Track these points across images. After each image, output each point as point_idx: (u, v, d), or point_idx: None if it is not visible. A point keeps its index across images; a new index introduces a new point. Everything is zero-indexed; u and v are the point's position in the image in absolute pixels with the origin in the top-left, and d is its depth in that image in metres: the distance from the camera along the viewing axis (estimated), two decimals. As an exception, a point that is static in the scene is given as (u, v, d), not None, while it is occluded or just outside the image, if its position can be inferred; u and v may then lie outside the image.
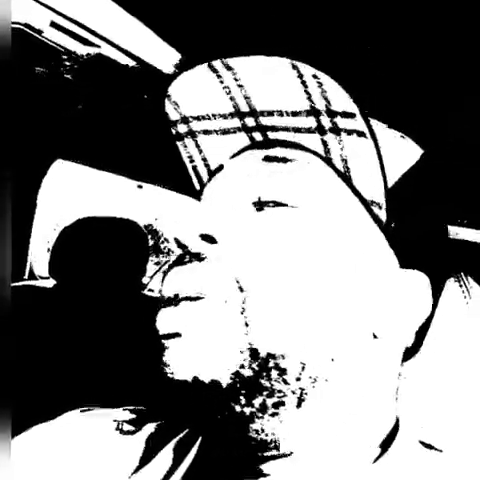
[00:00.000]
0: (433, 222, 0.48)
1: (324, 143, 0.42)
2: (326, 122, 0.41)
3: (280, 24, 0.83)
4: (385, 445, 0.41)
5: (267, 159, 0.43)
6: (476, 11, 0.72)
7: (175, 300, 0.38)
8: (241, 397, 0.37)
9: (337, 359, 0.39)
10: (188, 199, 1.96)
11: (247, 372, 0.36)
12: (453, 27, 0.76)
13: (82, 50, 0.95)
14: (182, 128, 0.47)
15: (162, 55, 0.93)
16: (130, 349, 1.22)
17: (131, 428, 0.48)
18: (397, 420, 0.44)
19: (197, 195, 0.50)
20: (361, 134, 0.40)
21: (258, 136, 0.45)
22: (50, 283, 1.37)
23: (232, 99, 0.44)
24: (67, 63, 0.97)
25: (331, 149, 0.42)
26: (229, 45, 0.92)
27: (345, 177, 0.42)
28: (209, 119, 0.45)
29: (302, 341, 0.38)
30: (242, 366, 0.36)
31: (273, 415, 0.38)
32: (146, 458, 0.45)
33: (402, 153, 0.45)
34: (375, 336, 0.41)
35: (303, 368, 0.37)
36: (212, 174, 0.48)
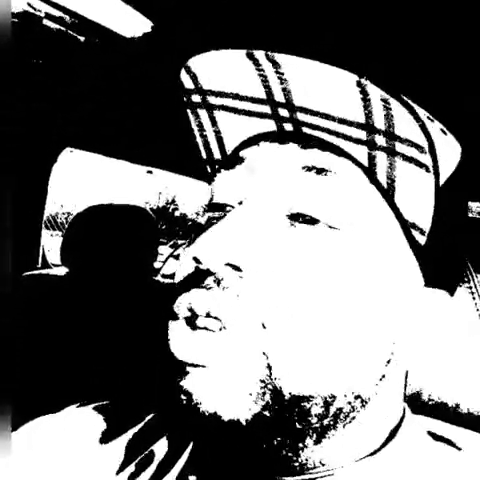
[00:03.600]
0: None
1: (371, 157, 0.37)
2: (381, 140, 0.36)
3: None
4: (390, 435, 0.40)
5: (306, 168, 0.38)
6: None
7: (191, 322, 0.36)
8: (261, 435, 0.35)
9: (361, 391, 0.37)
10: (200, 183, 1.96)
11: (269, 413, 0.34)
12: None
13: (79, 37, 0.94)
14: (196, 98, 0.42)
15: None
16: (141, 338, 1.22)
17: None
18: (403, 410, 0.43)
19: (205, 172, 0.47)
20: (422, 166, 0.36)
21: (289, 128, 0.39)
22: (62, 271, 1.37)
23: (267, 87, 0.38)
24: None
25: (378, 164, 0.37)
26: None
27: (386, 193, 0.38)
28: (232, 98, 0.40)
29: (328, 379, 0.35)
30: (264, 407, 0.34)
31: (291, 450, 0.36)
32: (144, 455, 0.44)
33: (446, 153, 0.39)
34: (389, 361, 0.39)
35: (327, 406, 0.35)
36: (226, 155, 0.44)
